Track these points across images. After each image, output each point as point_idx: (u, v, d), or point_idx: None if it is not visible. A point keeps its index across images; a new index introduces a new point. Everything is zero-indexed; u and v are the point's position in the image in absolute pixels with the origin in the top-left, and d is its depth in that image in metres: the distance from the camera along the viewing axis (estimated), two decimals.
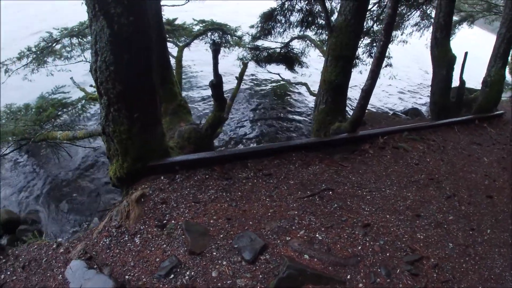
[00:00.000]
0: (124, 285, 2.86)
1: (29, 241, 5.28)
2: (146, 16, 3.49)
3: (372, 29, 10.33)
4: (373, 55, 10.43)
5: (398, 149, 5.75)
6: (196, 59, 14.29)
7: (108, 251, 3.36)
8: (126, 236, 3.44)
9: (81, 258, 3.38)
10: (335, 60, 5.97)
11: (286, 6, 8.92)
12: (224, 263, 3.04)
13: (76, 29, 8.90)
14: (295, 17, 9.19)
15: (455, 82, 8.94)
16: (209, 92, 12.15)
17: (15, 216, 7.01)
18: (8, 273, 3.53)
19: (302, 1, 8.85)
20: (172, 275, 2.93)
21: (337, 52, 5.90)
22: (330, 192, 4.25)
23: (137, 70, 3.50)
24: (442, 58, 8.03)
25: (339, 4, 6.88)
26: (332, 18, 7.53)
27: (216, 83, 4.40)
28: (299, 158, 4.89)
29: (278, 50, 9.93)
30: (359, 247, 3.40)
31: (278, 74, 12.84)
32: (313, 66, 12.10)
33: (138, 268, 3.08)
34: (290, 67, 10.77)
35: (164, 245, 3.26)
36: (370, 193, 4.39)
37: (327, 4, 8.43)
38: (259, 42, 10.02)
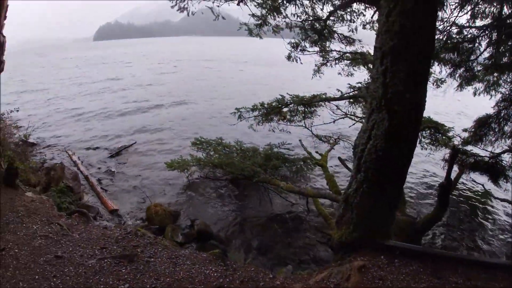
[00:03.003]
0: None
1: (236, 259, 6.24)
2: (420, 114, 4.02)
3: None
4: None
5: None
6: None
7: None
8: None
9: None
10: None
11: (502, 114, 8.45)
12: None
13: (306, 99, 10.41)
14: (509, 127, 8.57)
15: None
16: None
17: (210, 230, 8.42)
18: (228, 280, 4.41)
19: None
20: None
21: None
22: None
23: (398, 162, 4.04)
24: None
25: None
26: None
27: (446, 185, 4.58)
28: (505, 278, 4.49)
29: (486, 159, 9.23)
30: None
31: (482, 185, 11.78)
32: None
33: None
34: (494, 180, 9.75)
35: None
36: None
37: None
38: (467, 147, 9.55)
